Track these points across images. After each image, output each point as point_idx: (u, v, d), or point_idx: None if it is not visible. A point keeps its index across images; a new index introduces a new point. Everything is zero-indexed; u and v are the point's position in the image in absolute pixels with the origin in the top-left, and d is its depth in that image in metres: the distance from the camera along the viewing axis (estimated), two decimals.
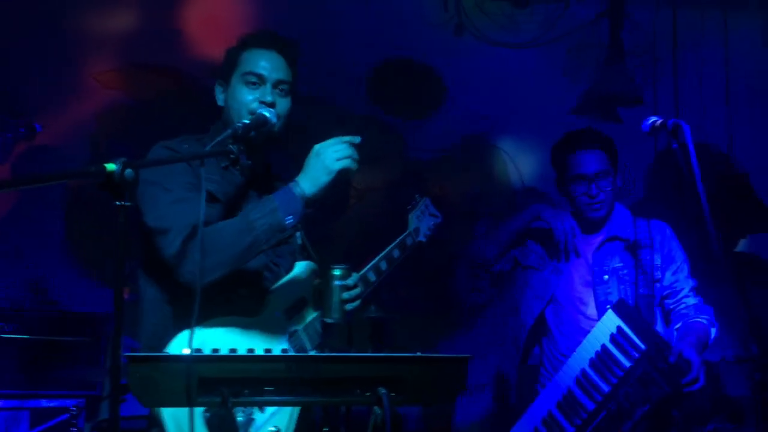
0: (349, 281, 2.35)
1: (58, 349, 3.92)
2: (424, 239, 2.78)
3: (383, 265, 2.57)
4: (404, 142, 5.20)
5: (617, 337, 2.75)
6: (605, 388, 2.71)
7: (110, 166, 1.66)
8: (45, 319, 3.99)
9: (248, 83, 2.35)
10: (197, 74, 4.77)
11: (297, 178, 2.25)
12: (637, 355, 2.70)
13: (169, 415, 2.05)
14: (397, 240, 2.66)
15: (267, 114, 2.28)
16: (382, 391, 1.67)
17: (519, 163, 5.28)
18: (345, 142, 2.26)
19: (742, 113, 5.09)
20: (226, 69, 2.42)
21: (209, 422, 1.65)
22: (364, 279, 2.48)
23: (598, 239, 3.00)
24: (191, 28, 4.89)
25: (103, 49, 4.78)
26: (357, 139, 2.30)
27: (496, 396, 4.20)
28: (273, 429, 2.17)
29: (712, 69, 5.13)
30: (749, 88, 5.17)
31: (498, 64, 5.22)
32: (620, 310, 2.78)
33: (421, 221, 2.78)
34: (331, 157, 2.22)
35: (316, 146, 2.26)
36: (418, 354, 1.74)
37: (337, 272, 2.33)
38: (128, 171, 1.67)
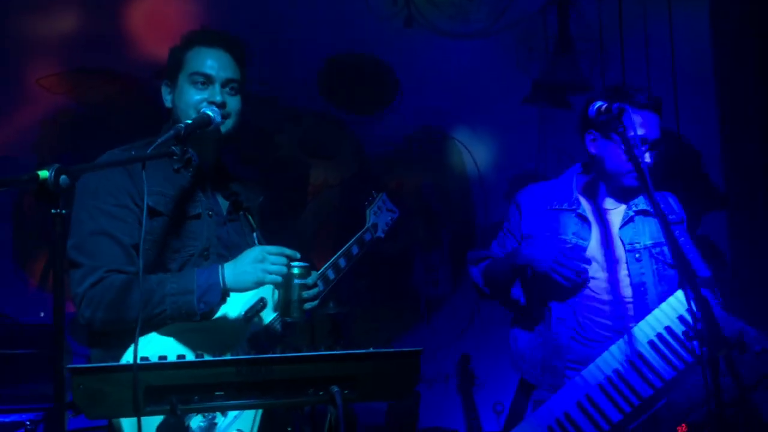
0: (309, 280, 2.30)
1: (10, 362, 3.82)
2: (382, 234, 2.76)
3: (342, 263, 2.54)
4: (358, 138, 5.18)
5: (687, 320, 2.46)
6: (668, 373, 2.46)
7: (43, 174, 1.61)
8: None
9: (196, 83, 2.30)
10: (144, 77, 4.68)
11: (226, 266, 2.21)
12: None
13: (128, 424, 2.01)
14: (356, 236, 2.64)
15: (210, 113, 2.23)
16: (335, 389, 1.66)
17: (474, 153, 5.31)
18: (286, 255, 2.24)
19: (689, 96, 5.18)
20: (171, 69, 2.36)
21: (158, 431, 1.61)
22: (323, 277, 2.45)
23: (623, 212, 2.73)
24: (137, 30, 4.80)
25: (47, 53, 4.66)
26: (297, 255, 2.28)
27: (460, 386, 4.21)
28: None
29: (658, 51, 5.21)
30: (695, 71, 5.27)
31: (449, 55, 5.24)
32: (700, 295, 2.46)
33: (378, 217, 2.77)
34: (266, 267, 2.19)
35: (259, 249, 2.23)
36: (370, 350, 1.73)
37: (295, 270, 2.28)
38: (63, 178, 1.63)
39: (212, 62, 2.31)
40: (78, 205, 2.21)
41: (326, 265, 2.49)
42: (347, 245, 2.59)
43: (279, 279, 2.22)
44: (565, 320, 2.67)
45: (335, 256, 2.54)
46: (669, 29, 5.20)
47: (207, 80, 2.30)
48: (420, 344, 1.78)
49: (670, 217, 2.70)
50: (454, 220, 5.28)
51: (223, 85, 2.31)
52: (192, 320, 2.18)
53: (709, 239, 5.12)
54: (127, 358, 2.05)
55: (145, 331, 2.11)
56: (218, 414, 2.12)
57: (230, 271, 2.20)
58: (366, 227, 2.71)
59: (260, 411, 2.21)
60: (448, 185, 5.29)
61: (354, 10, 5.06)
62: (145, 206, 1.97)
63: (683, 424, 2.57)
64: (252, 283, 2.21)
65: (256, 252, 2.22)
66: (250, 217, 2.49)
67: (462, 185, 5.30)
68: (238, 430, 2.15)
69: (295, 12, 4.94)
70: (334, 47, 5.10)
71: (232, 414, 2.15)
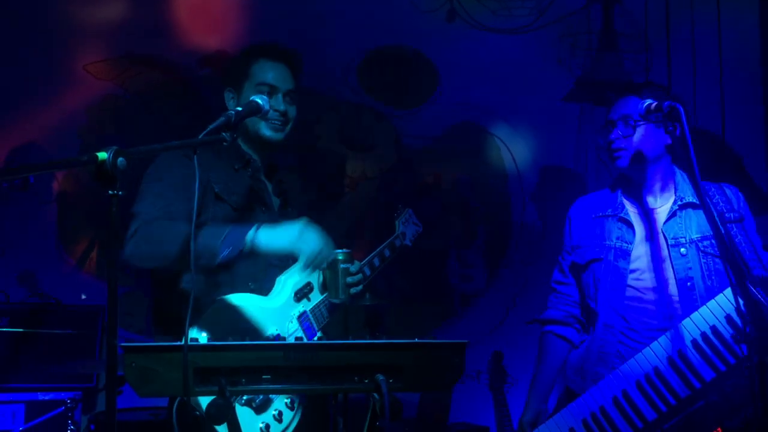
0: (352, 267, 2.52)
1: (53, 342, 3.91)
2: (409, 243, 3.04)
3: (376, 262, 2.77)
4: (397, 131, 5.18)
5: (735, 320, 2.41)
6: (708, 375, 2.41)
7: (102, 155, 1.64)
8: (39, 312, 3.97)
9: (261, 93, 2.51)
10: (189, 65, 4.73)
11: (262, 228, 2.34)
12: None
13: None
14: (388, 240, 2.89)
15: (260, 101, 2.34)
16: (381, 377, 1.67)
17: (513, 149, 5.28)
18: (318, 260, 2.37)
19: (736, 95, 5.09)
20: (236, 77, 2.60)
21: (207, 411, 1.64)
22: (361, 273, 2.63)
23: (668, 208, 2.69)
24: (182, 19, 4.85)
25: (94, 39, 4.73)
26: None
27: (492, 383, 4.19)
28: (287, 400, 2.27)
29: (705, 52, 5.12)
30: (743, 71, 5.17)
31: (491, 50, 5.20)
32: (742, 290, 2.40)
33: (406, 227, 3.05)
34: (301, 242, 2.33)
35: (301, 225, 2.36)
36: (416, 340, 1.73)
37: (341, 256, 2.50)
38: (120, 160, 1.66)
39: (275, 74, 2.58)
40: (145, 181, 2.43)
41: (362, 263, 2.68)
42: (381, 247, 2.83)
43: (306, 256, 2.34)
44: (613, 327, 2.65)
45: (370, 255, 2.76)
46: (717, 28, 5.11)
47: (272, 90, 2.56)
48: (453, 338, 1.78)
49: (727, 215, 2.61)
50: (490, 216, 5.26)
51: (285, 95, 2.58)
52: (211, 265, 2.28)
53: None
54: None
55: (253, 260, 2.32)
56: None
57: (265, 233, 2.33)
58: (396, 234, 2.97)
59: None
60: (486, 181, 5.27)
61: (396, 2, 5.06)
62: (197, 185, 2.01)
63: (719, 429, 2.51)
64: (281, 249, 2.34)
65: (298, 224, 2.37)
66: (296, 213, 2.68)
67: (499, 181, 5.28)
68: (289, 397, 2.27)
69: (337, 2, 4.95)
70: (376, 39, 5.11)
71: None
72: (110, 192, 1.66)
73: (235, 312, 2.27)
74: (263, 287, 2.45)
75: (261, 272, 2.47)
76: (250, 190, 2.56)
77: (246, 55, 2.63)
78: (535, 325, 3.00)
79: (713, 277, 2.63)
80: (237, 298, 2.31)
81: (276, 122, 2.56)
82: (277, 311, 2.41)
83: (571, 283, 2.83)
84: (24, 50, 4.58)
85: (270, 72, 2.58)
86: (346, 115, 5.09)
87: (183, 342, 1.63)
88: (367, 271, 2.68)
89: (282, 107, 2.57)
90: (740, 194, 2.75)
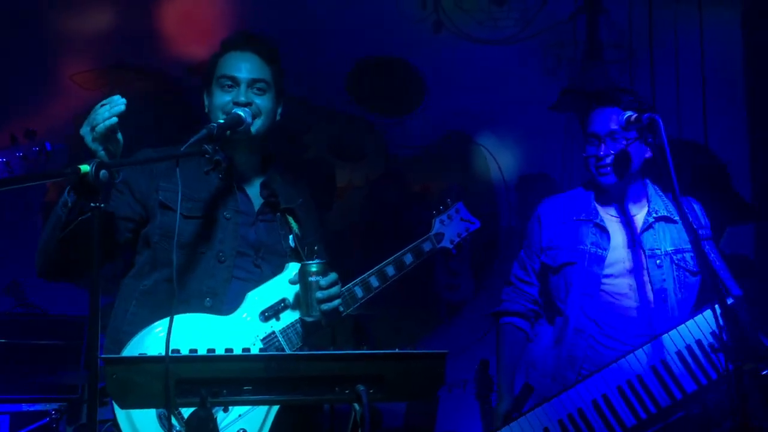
0: (323, 281, 2.24)
1: (38, 352, 3.90)
2: (449, 245, 2.59)
3: (390, 271, 2.43)
4: (385, 140, 5.21)
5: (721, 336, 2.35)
6: (690, 387, 2.45)
7: (84, 168, 1.65)
8: (23, 323, 3.96)
9: (223, 86, 2.36)
10: (177, 74, 4.75)
11: None
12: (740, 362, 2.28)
13: (123, 415, 2.05)
14: (411, 245, 2.49)
15: (242, 114, 2.28)
16: (361, 388, 1.67)
17: (499, 159, 5.31)
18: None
19: (718, 106, 5.14)
20: (207, 76, 2.43)
21: (188, 423, 1.64)
22: (364, 284, 2.40)
23: (643, 218, 2.70)
24: (170, 29, 4.87)
25: (81, 50, 4.74)
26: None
27: (479, 392, 4.20)
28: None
29: (688, 62, 5.17)
30: (725, 81, 5.22)
31: (477, 60, 5.24)
32: (727, 308, 2.44)
33: (446, 226, 2.58)
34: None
35: None
36: (397, 351, 1.74)
37: (313, 268, 2.24)
38: (102, 172, 1.67)
39: (239, 64, 2.37)
40: None
41: (369, 272, 2.41)
42: (399, 253, 2.44)
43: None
44: (583, 331, 2.65)
45: (382, 264, 2.42)
46: (699, 39, 5.16)
47: (233, 82, 2.36)
48: (440, 348, 1.79)
49: (699, 231, 2.57)
50: None
51: (249, 85, 2.36)
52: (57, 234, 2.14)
53: (740, 255, 5.06)
54: (131, 350, 2.11)
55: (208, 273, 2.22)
56: (220, 410, 2.09)
57: None
58: (427, 236, 2.54)
59: (273, 412, 2.18)
60: (473, 190, 5.29)
61: (384, 13, 5.09)
62: (179, 198, 2.00)
63: None
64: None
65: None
66: (290, 219, 2.46)
67: (486, 190, 5.30)
68: (241, 429, 2.14)
69: (326, 12, 4.98)
70: (364, 50, 5.14)
71: (236, 411, 2.14)
72: (92, 204, 1.67)
73: (185, 332, 2.11)
74: (224, 304, 2.26)
75: (221, 286, 2.28)
76: (215, 195, 2.33)
77: (215, 53, 2.44)
78: None
79: (683, 290, 2.67)
80: (184, 320, 2.14)
81: None
82: (236, 333, 2.22)
83: (534, 283, 2.83)
84: (12, 59, 4.58)
85: (234, 63, 2.36)
86: (335, 124, 5.12)
87: (164, 353, 1.64)
88: (375, 282, 2.39)
89: (242, 98, 2.32)
90: (703, 209, 2.79)
